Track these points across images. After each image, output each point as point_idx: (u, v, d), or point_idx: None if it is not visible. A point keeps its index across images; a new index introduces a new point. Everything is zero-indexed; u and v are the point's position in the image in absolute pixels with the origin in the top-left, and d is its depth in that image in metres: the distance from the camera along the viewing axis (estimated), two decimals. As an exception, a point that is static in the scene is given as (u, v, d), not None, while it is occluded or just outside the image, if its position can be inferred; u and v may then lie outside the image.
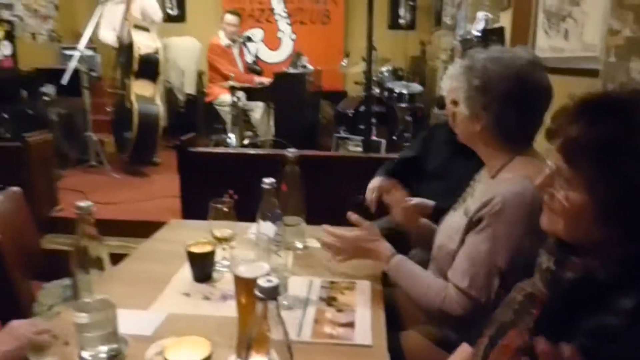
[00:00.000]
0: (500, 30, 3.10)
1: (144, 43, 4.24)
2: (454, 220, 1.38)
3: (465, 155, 1.41)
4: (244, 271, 1.00)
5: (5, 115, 4.11)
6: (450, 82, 1.87)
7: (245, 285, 0.99)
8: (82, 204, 0.99)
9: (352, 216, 1.48)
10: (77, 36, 6.49)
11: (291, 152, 1.61)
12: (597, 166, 0.78)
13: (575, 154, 0.81)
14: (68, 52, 6.01)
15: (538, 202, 1.01)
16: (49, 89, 5.09)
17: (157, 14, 4.57)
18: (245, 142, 4.78)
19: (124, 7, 4.30)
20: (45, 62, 5.92)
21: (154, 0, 4.57)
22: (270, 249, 1.20)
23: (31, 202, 2.23)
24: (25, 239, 1.82)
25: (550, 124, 0.91)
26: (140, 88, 4.26)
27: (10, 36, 4.80)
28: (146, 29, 4.38)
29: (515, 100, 1.23)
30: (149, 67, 4.29)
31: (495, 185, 1.27)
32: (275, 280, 0.69)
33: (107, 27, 4.49)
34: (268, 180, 1.28)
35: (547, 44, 2.61)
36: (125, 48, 4.26)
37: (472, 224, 1.24)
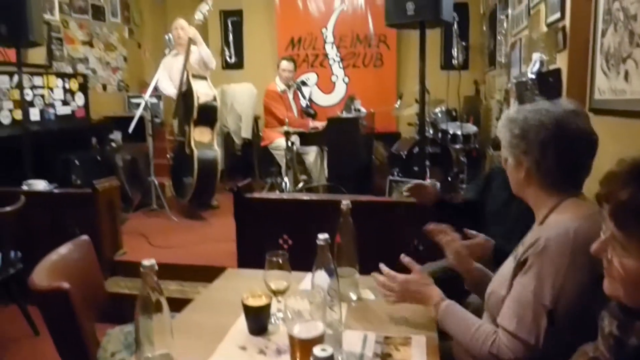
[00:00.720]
0: (557, 72, 3.05)
1: (203, 91, 4.44)
2: (506, 267, 1.39)
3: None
4: (299, 332, 1.01)
5: (77, 162, 4.38)
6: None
7: (300, 346, 1.00)
8: (147, 262, 1.05)
9: (405, 259, 1.52)
10: (143, 85, 6.93)
11: (344, 203, 1.62)
12: None
13: (627, 218, 0.79)
14: (134, 100, 6.42)
15: (581, 239, 1.10)
16: (115, 136, 5.42)
17: (213, 62, 4.80)
18: (300, 185, 4.86)
19: (182, 59, 4.53)
20: (113, 110, 6.32)
21: (208, 50, 4.81)
22: (325, 304, 1.21)
23: (97, 245, 2.34)
24: (92, 286, 1.91)
25: (600, 188, 0.90)
26: (199, 135, 4.44)
27: (83, 88, 5.16)
28: (204, 78, 4.60)
29: (553, 144, 1.26)
30: (208, 115, 4.47)
31: (543, 229, 1.28)
32: (330, 350, 0.70)
33: (166, 78, 4.75)
34: (322, 236, 1.30)
35: (606, 86, 2.54)
36: (185, 97, 4.46)
37: (518, 267, 1.25)
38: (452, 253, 1.63)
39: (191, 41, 4.50)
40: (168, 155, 4.78)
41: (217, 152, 4.51)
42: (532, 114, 1.30)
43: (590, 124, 1.30)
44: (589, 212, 1.20)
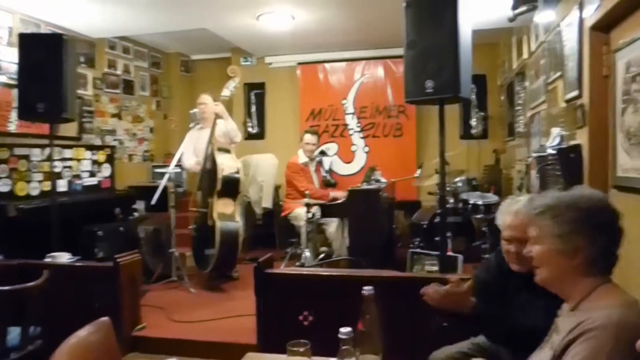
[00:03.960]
0: (578, 147, 3.05)
1: (227, 164, 4.54)
2: (541, 357, 1.36)
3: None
4: None
5: (100, 233, 4.43)
6: (512, 218, 1.85)
7: None
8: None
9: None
10: (168, 155, 7.12)
11: (367, 289, 1.59)
12: None
13: None
14: (158, 170, 6.57)
15: (623, 326, 1.12)
16: (139, 205, 5.51)
17: (238, 136, 4.94)
18: (320, 256, 4.83)
19: (208, 132, 4.68)
20: (138, 180, 6.47)
21: (234, 123, 4.96)
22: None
23: (117, 320, 2.30)
24: (110, 368, 1.88)
25: None
26: (222, 206, 4.50)
27: (110, 159, 5.32)
28: (228, 151, 4.71)
29: (607, 227, 1.30)
30: (231, 187, 4.54)
31: (580, 315, 1.26)
32: None
33: (189, 152, 4.89)
34: (345, 330, 1.28)
35: (630, 164, 2.53)
36: (209, 170, 4.56)
37: (561, 353, 1.22)
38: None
39: (217, 116, 4.66)
40: (190, 227, 4.81)
41: (239, 223, 4.55)
42: (580, 199, 1.32)
43: None
44: (628, 300, 1.22)
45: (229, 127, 4.81)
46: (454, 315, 1.99)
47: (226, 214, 4.49)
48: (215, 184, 4.44)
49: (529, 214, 1.41)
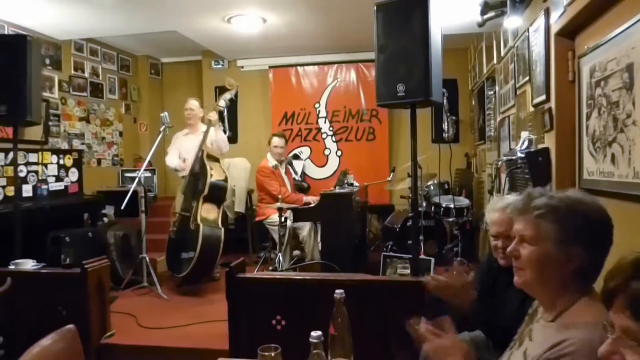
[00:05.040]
0: (546, 151, 3.12)
1: (216, 170, 4.58)
2: None
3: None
4: None
5: (67, 239, 4.31)
6: (498, 215, 1.89)
7: None
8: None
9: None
10: (137, 159, 7.00)
11: (338, 292, 1.59)
12: None
13: None
14: (128, 175, 6.46)
15: None
16: (108, 210, 5.39)
17: (227, 146, 5.03)
18: (293, 260, 4.81)
19: (193, 138, 4.78)
20: (107, 184, 6.35)
21: (224, 134, 5.02)
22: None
23: (84, 328, 2.24)
24: (75, 379, 1.82)
25: (607, 284, 0.90)
26: (206, 212, 4.48)
27: (78, 163, 5.19)
28: (217, 160, 4.73)
29: (604, 239, 1.25)
30: (218, 193, 4.56)
31: (559, 330, 1.21)
32: None
33: (174, 154, 4.91)
34: (315, 334, 1.27)
35: (595, 167, 2.58)
36: (197, 174, 4.57)
37: None
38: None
39: (210, 124, 4.71)
40: (171, 229, 4.75)
41: (222, 230, 4.51)
42: (582, 204, 1.26)
43: None
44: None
45: (219, 136, 4.88)
46: (453, 309, 1.98)
47: (209, 220, 4.47)
48: (203, 188, 4.46)
49: (526, 211, 1.32)
